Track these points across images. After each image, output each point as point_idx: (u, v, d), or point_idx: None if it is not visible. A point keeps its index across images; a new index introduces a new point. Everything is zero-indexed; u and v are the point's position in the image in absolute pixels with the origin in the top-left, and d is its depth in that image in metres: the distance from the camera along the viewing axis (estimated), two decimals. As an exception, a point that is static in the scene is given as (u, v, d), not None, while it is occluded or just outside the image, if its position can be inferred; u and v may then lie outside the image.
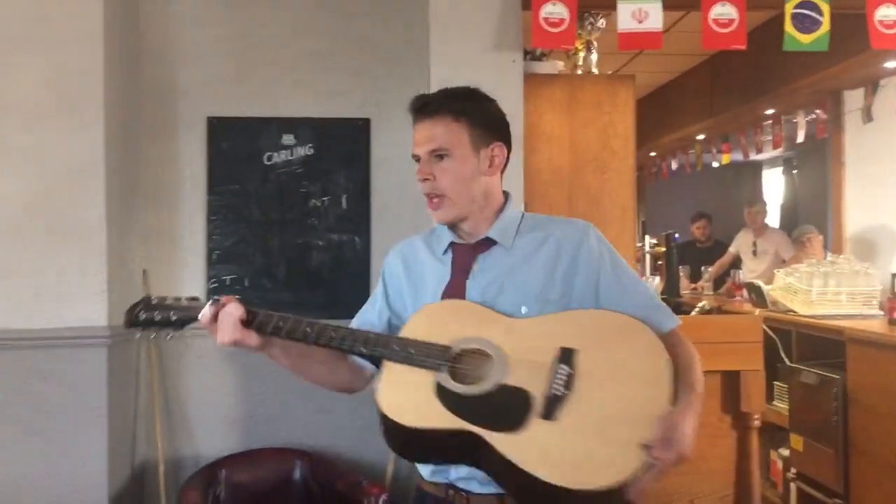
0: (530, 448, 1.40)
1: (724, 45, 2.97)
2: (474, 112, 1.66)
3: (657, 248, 6.13)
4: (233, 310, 1.58)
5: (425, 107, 1.66)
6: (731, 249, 7.01)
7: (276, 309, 3.33)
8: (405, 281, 1.75)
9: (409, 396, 1.50)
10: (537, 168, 3.64)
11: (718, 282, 6.86)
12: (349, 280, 3.39)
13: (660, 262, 6.22)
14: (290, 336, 1.61)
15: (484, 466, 1.46)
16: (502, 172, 1.74)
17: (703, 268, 6.83)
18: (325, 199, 3.39)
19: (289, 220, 3.39)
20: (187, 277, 3.36)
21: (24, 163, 2.96)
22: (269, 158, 3.38)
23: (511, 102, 3.05)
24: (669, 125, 7.19)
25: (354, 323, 1.77)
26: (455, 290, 1.67)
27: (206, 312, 1.60)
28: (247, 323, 1.59)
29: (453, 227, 1.71)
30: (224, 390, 3.38)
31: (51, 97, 2.96)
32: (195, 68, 3.35)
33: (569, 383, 1.46)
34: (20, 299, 2.91)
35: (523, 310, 1.62)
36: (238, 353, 3.37)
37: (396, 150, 3.41)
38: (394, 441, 1.53)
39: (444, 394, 1.48)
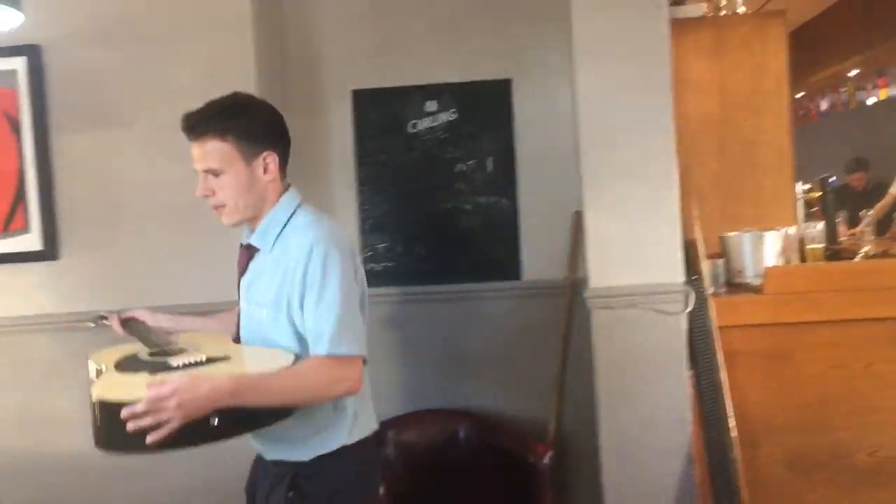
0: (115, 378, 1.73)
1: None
2: (239, 128, 1.78)
3: (811, 194, 5.83)
4: None
5: (192, 130, 1.79)
6: (892, 190, 6.57)
7: (430, 273, 3.40)
8: None
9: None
10: (685, 117, 3.50)
11: (880, 227, 6.45)
12: (499, 242, 3.41)
13: (814, 209, 5.91)
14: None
15: None
16: (283, 170, 1.92)
17: (862, 212, 6.44)
18: (470, 162, 3.41)
19: (436, 185, 3.43)
20: (343, 248, 3.46)
21: (187, 145, 3.10)
22: (414, 126, 3.43)
23: (657, 50, 2.95)
24: (818, 63, 6.78)
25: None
26: (239, 286, 1.94)
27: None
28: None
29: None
30: (382, 356, 3.48)
31: (207, 83, 3.07)
32: (337, 43, 3.43)
33: (189, 366, 1.72)
34: (197, 274, 3.09)
35: (264, 312, 1.84)
36: (394, 322, 3.47)
37: (539, 109, 3.39)
38: None
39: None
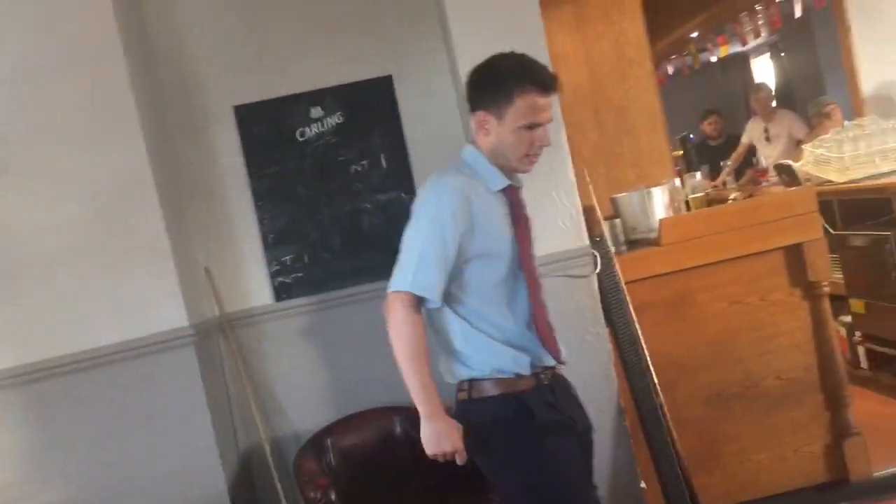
0: None
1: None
2: None
3: (674, 153, 6.17)
4: None
5: (556, 85, 2.02)
6: (744, 140, 7.03)
7: (341, 277, 3.38)
8: (481, 218, 2.03)
9: None
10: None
11: (737, 175, 6.91)
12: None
13: (678, 168, 6.26)
14: None
15: None
16: None
17: (721, 163, 6.88)
18: (364, 162, 3.43)
19: (333, 190, 3.43)
20: (248, 265, 3.42)
21: (73, 185, 3.00)
22: (302, 134, 3.41)
23: (531, 27, 3.08)
24: (660, 30, 7.15)
25: (439, 284, 2.03)
26: (523, 217, 2.12)
27: None
28: None
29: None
30: (306, 367, 3.46)
31: (85, 116, 2.99)
32: (212, 61, 3.36)
33: None
34: (103, 317, 2.98)
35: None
36: (312, 331, 3.45)
37: (422, 101, 3.43)
38: None
39: None
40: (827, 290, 3.26)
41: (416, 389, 1.99)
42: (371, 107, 3.42)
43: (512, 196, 2.10)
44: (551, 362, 2.13)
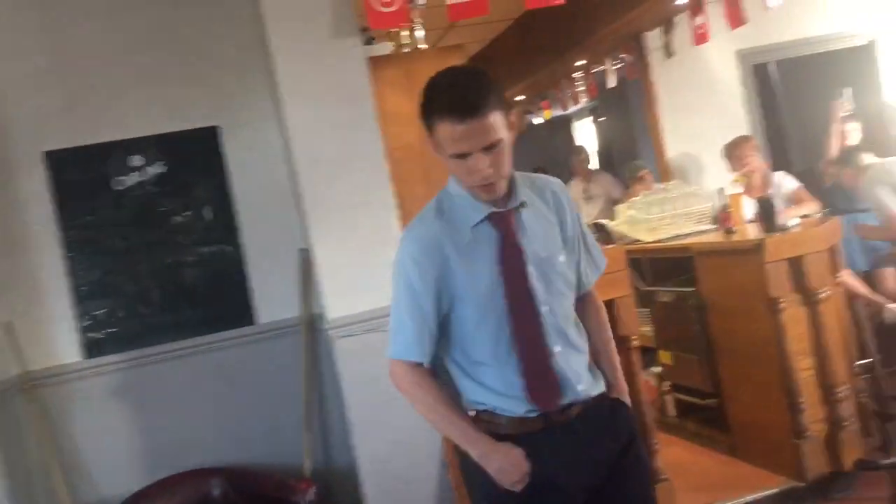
0: None
1: (546, 2, 3.17)
2: (501, 95, 1.73)
3: (502, 209, 6.35)
4: None
5: (475, 109, 1.68)
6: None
7: (159, 332, 3.25)
8: (454, 259, 1.80)
9: None
10: (389, 147, 3.72)
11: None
12: (228, 290, 3.36)
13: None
14: None
15: None
16: None
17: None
18: (187, 213, 3.33)
19: (154, 241, 3.31)
20: (56, 320, 3.21)
21: None
22: (120, 183, 3.28)
23: (359, 86, 3.13)
24: (489, 92, 7.46)
25: (418, 342, 1.82)
26: (512, 248, 1.82)
27: None
28: None
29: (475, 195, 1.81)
30: (118, 428, 3.27)
31: None
32: (21, 103, 3.18)
33: None
34: None
35: (562, 258, 1.86)
36: (125, 389, 3.27)
37: (251, 153, 3.40)
38: None
39: None
40: (636, 343, 3.45)
41: (455, 437, 1.84)
42: (196, 157, 3.35)
43: (502, 224, 1.83)
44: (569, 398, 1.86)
